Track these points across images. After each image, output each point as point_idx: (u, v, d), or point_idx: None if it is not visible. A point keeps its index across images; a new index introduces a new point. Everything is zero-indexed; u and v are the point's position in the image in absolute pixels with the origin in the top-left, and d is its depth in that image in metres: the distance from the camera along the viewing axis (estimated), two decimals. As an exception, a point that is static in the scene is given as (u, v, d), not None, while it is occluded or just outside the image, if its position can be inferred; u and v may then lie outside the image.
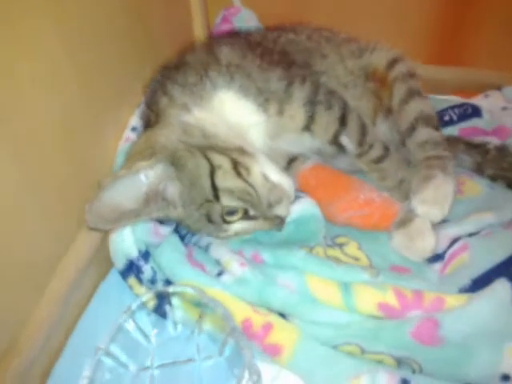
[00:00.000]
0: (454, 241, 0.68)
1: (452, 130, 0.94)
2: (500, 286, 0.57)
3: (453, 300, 0.58)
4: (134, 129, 0.80)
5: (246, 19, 1.11)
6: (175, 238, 0.74)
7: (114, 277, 0.74)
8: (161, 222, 0.71)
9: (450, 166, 0.74)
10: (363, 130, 0.77)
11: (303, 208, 0.73)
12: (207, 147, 0.65)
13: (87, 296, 0.72)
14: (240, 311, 0.62)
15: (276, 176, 0.68)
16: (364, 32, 0.91)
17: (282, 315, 0.63)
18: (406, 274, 0.66)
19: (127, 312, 0.61)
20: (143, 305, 0.62)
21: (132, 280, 0.68)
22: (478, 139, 0.88)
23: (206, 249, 0.73)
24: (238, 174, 0.64)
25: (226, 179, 0.64)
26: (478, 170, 0.84)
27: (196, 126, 0.67)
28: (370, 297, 0.59)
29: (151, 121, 0.72)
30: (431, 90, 0.92)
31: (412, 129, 0.79)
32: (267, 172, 0.67)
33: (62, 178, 0.65)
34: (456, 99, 1.02)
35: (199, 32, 1.15)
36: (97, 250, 0.72)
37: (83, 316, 0.70)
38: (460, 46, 1.09)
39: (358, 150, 0.77)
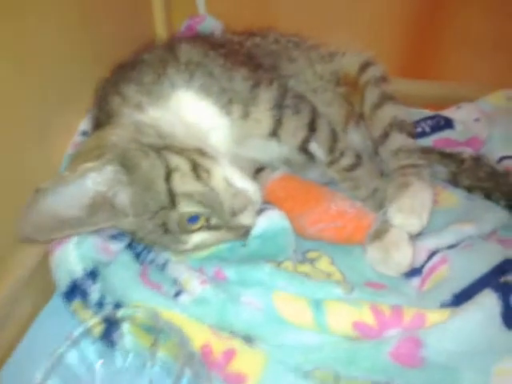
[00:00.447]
0: (433, 254, 0.65)
1: (426, 142, 0.93)
2: (486, 297, 0.54)
3: (435, 316, 0.55)
4: (84, 133, 0.77)
5: (212, 28, 1.10)
6: (128, 255, 0.69)
7: (55, 302, 0.69)
8: (114, 236, 0.66)
9: (426, 175, 0.72)
10: (334, 137, 0.74)
11: (271, 220, 0.69)
12: (162, 147, 0.61)
13: (21, 326, 0.66)
14: (199, 335, 0.57)
15: (240, 181, 0.65)
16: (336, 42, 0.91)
17: (247, 338, 0.59)
18: (383, 290, 0.63)
19: (69, 340, 0.54)
20: (88, 331, 0.56)
21: (76, 304, 0.63)
22: (453, 149, 0.88)
23: (163, 267, 0.68)
24: (198, 177, 0.61)
25: (184, 182, 0.60)
26: (453, 180, 0.83)
27: (150, 125, 0.63)
28: (345, 315, 0.56)
29: (101, 122, 0.68)
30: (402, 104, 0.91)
31: (385, 135, 0.78)
32: (230, 176, 0.64)
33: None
34: (427, 112, 1.02)
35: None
36: (35, 270, 0.67)
37: (17, 348, 0.64)
38: (433, 59, 1.10)
39: (328, 157, 0.74)
